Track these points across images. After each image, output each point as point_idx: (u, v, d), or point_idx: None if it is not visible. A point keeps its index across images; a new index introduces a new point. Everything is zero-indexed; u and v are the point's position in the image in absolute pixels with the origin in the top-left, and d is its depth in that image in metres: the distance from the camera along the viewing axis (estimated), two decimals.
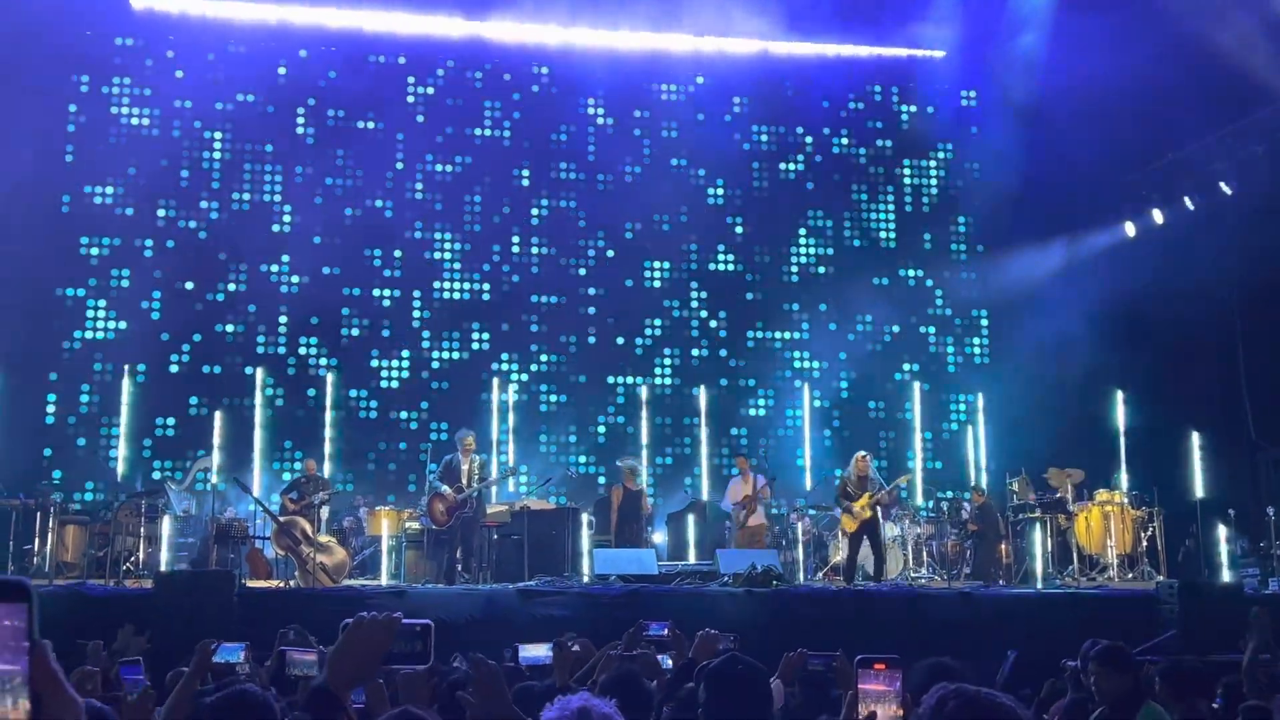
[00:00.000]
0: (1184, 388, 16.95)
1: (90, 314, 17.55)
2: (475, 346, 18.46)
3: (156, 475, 16.70)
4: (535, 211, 18.99)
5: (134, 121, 18.09)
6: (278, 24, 18.43)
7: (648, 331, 19.00)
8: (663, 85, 19.63)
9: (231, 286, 17.97)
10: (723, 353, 19.19)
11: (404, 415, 18.10)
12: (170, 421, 17.44)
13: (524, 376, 18.40)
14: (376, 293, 18.31)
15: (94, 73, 18.04)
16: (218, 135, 18.27)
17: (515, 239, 18.87)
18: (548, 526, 13.98)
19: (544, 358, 18.61)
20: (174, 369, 17.64)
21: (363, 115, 18.68)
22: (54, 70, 17.52)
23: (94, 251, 17.71)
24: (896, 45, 19.79)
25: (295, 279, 18.10)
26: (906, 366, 19.56)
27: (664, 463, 18.61)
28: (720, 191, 19.55)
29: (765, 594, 11.69)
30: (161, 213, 17.96)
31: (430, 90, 18.98)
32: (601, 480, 17.86)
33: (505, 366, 18.36)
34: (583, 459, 18.22)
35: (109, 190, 17.87)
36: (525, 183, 19.02)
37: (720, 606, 11.12)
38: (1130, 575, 14.70)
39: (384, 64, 18.83)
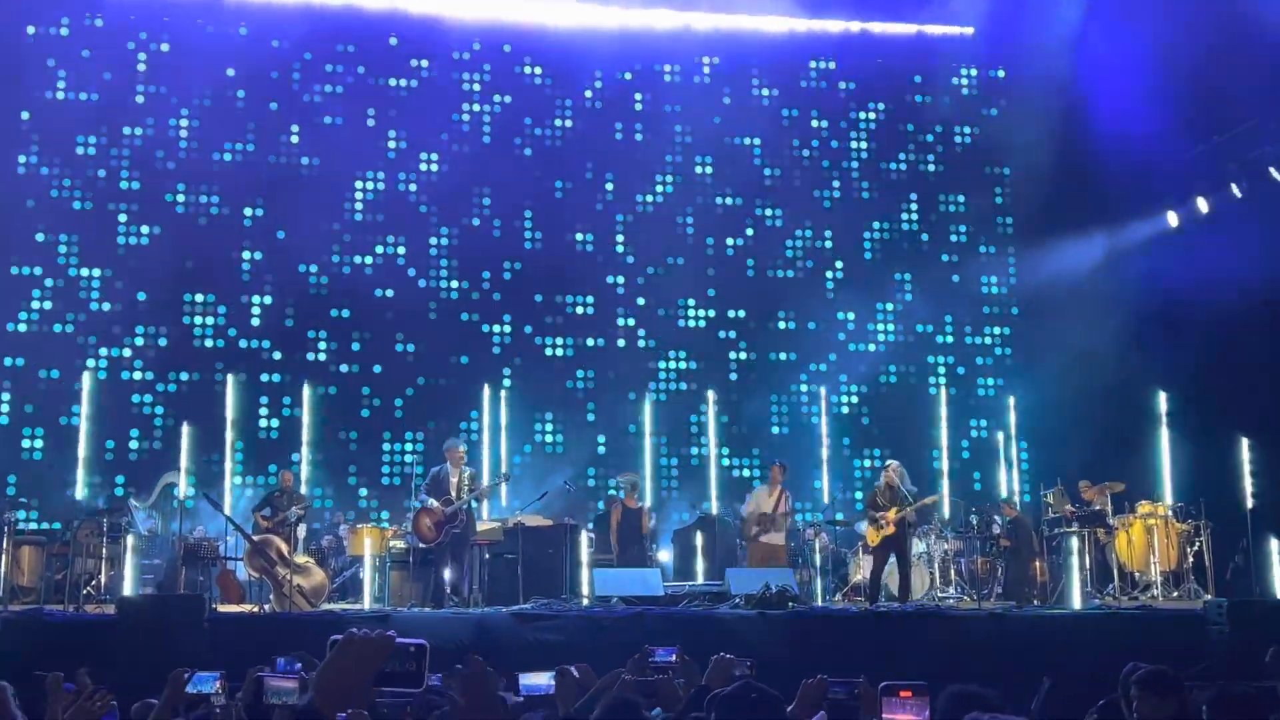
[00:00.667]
0: (1232, 390, 16.91)
1: (48, 316, 17.50)
2: (466, 352, 18.43)
3: (119, 491, 16.69)
4: (530, 207, 18.96)
5: (93, 110, 18.05)
6: (251, 4, 18.39)
7: (651, 333, 19.00)
8: (666, 66, 19.62)
9: (200, 290, 17.95)
10: (734, 356, 19.18)
11: (388, 427, 18.07)
12: (134, 433, 17.43)
13: (518, 384, 18.38)
14: (358, 295, 18.28)
15: (55, 57, 18.03)
16: (183, 124, 18.24)
17: (507, 237, 18.83)
18: (544, 544, 13.99)
19: (540, 363, 18.60)
20: (138, 376, 17.63)
21: (343, 105, 18.66)
22: (8, 57, 17.57)
23: (55, 249, 17.68)
24: (923, 21, 19.81)
25: (269, 279, 18.11)
26: (932, 370, 19.56)
27: (670, 475, 18.61)
28: (730, 188, 19.54)
29: (780, 616, 11.70)
30: (123, 211, 17.93)
31: (414, 82, 18.93)
32: (604, 493, 17.85)
33: (498, 373, 18.33)
34: (583, 472, 18.22)
35: (66, 183, 17.86)
36: (520, 178, 18.98)
37: (731, 630, 11.12)
38: (1175, 594, 14.71)
39: (364, 47, 18.83)
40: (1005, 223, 20.17)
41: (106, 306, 17.64)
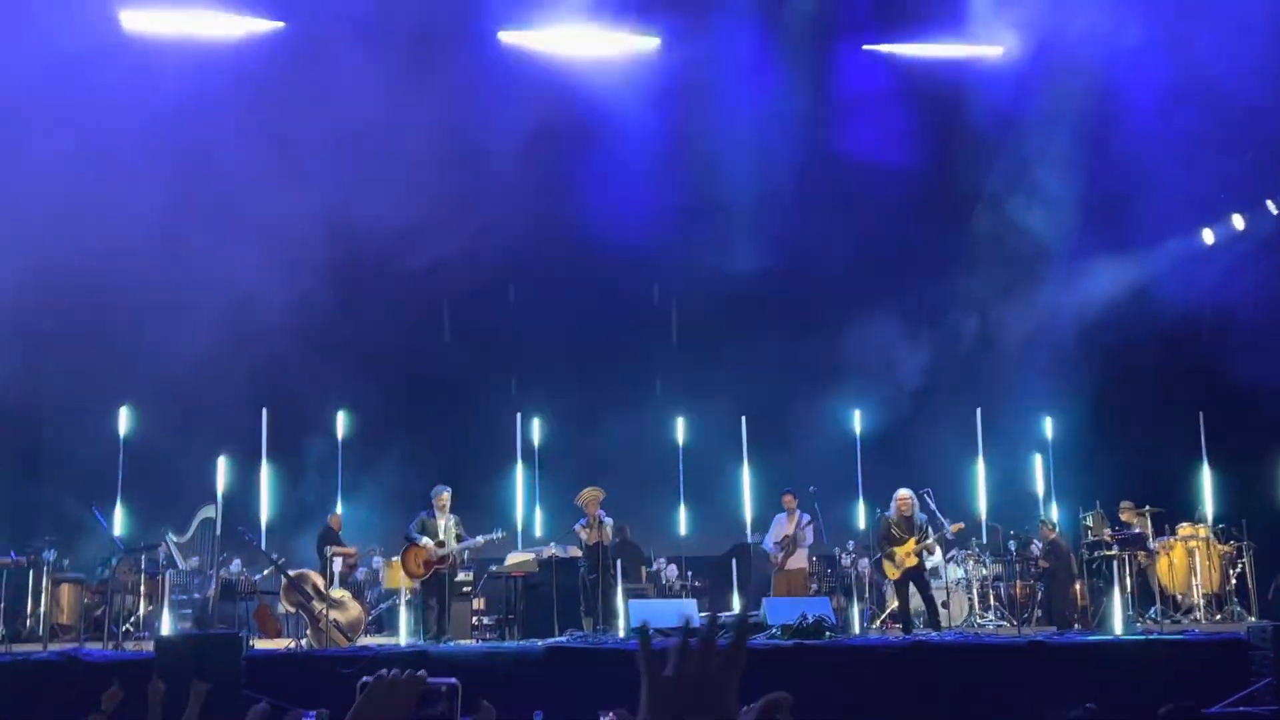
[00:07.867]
0: (1272, 408, 16.77)
1: (81, 353, 17.64)
2: (496, 386, 18.54)
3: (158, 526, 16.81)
4: (542, 239, 19.04)
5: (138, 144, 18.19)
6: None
7: (679, 362, 19.03)
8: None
9: (238, 323, 18.09)
10: (764, 381, 19.12)
11: (421, 461, 18.11)
12: (172, 467, 17.51)
13: (547, 418, 18.50)
14: (385, 330, 18.45)
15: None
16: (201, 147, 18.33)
17: (524, 272, 18.98)
18: (578, 575, 14.01)
19: (566, 399, 18.67)
20: (174, 409, 17.72)
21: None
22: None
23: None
24: (949, 41, 19.69)
25: (280, 304, 18.16)
26: (968, 391, 19.42)
27: (705, 504, 18.59)
28: (752, 206, 19.51)
29: (817, 647, 11.64)
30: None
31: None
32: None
33: (529, 407, 18.45)
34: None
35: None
36: (527, 214, 19.07)
37: (768, 662, 11.07)
38: (1218, 617, 14.57)
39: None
40: (1037, 242, 20.02)
41: (138, 342, 17.70)
